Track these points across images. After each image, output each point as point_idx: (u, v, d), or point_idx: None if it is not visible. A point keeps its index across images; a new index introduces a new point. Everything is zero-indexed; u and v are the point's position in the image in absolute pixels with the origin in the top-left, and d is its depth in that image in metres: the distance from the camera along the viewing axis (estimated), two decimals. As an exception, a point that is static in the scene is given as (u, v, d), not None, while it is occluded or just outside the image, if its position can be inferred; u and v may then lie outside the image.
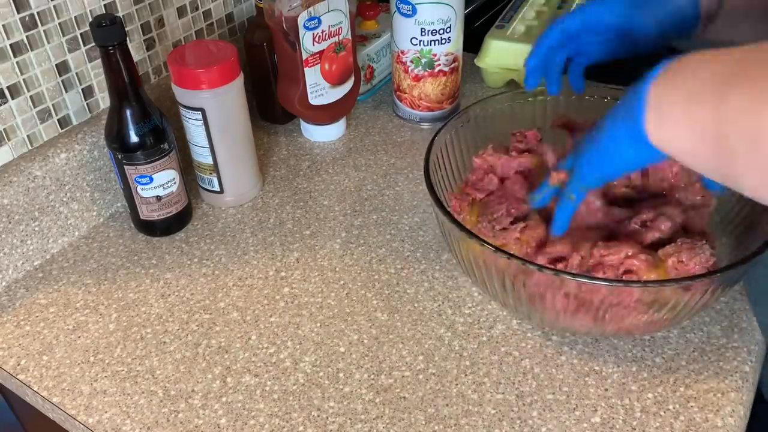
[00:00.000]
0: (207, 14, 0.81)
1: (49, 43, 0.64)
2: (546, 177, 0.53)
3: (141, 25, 0.73)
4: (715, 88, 0.34)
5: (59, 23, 0.64)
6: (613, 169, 0.45)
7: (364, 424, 0.50)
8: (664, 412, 0.50)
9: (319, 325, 0.59)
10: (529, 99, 0.66)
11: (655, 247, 0.51)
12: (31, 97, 0.64)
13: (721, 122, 0.34)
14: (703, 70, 0.36)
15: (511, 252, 0.49)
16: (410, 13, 0.76)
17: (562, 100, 0.66)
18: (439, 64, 0.80)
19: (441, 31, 0.77)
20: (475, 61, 0.88)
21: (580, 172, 0.48)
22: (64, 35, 0.65)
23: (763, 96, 0.31)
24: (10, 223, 0.63)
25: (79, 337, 0.59)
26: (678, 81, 0.37)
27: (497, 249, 0.48)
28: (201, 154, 0.69)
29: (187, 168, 0.72)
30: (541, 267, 0.47)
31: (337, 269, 0.64)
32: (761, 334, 0.55)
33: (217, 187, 0.71)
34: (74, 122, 0.69)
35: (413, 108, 0.84)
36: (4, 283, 0.64)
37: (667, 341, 0.55)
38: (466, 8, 0.81)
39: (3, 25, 0.60)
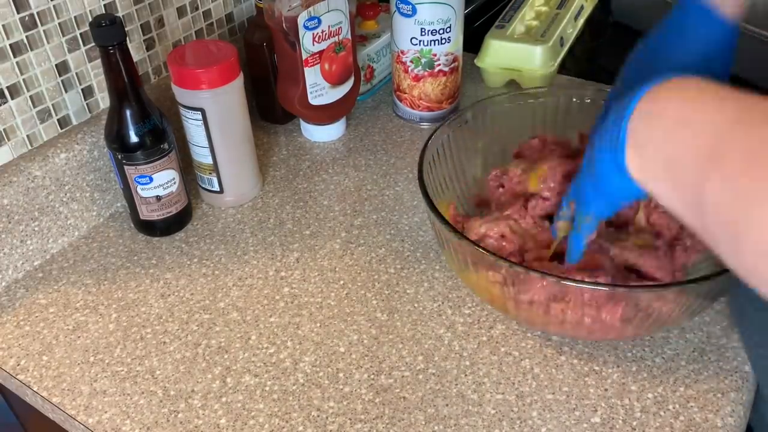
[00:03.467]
0: (207, 14, 0.81)
1: (48, 43, 0.64)
2: (560, 207, 0.52)
3: (141, 25, 0.73)
4: (696, 163, 0.32)
5: (59, 23, 0.64)
6: (614, 199, 0.42)
7: (364, 424, 0.50)
8: (664, 412, 0.50)
9: (319, 325, 0.59)
10: (530, 101, 0.66)
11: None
12: (30, 97, 0.64)
13: (701, 203, 0.32)
14: (684, 130, 0.33)
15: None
16: (410, 13, 0.76)
17: (561, 100, 0.66)
18: (439, 64, 0.80)
19: (441, 31, 0.77)
20: (475, 61, 0.88)
21: (584, 203, 0.46)
22: (63, 35, 0.65)
23: (747, 193, 0.29)
24: (9, 223, 0.63)
25: (79, 337, 0.59)
26: (656, 125, 0.35)
27: (478, 246, 0.48)
28: (201, 154, 0.69)
29: (187, 168, 0.72)
30: (544, 273, 0.46)
31: (337, 269, 0.64)
32: (752, 372, 0.53)
33: (217, 187, 0.71)
34: (74, 122, 0.69)
35: (413, 108, 0.84)
36: (4, 283, 0.64)
37: (667, 341, 0.55)
38: (466, 8, 0.81)
39: (3, 25, 0.60)
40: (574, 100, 0.65)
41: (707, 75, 0.36)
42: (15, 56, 0.62)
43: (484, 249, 0.48)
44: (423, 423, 0.50)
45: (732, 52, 0.48)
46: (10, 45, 0.61)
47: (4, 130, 0.63)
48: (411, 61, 0.80)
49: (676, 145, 0.34)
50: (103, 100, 0.71)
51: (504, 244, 0.55)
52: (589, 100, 0.65)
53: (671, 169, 0.34)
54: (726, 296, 0.58)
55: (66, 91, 0.67)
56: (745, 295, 0.51)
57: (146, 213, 0.67)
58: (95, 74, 0.69)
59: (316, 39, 0.74)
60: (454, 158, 0.63)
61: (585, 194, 0.45)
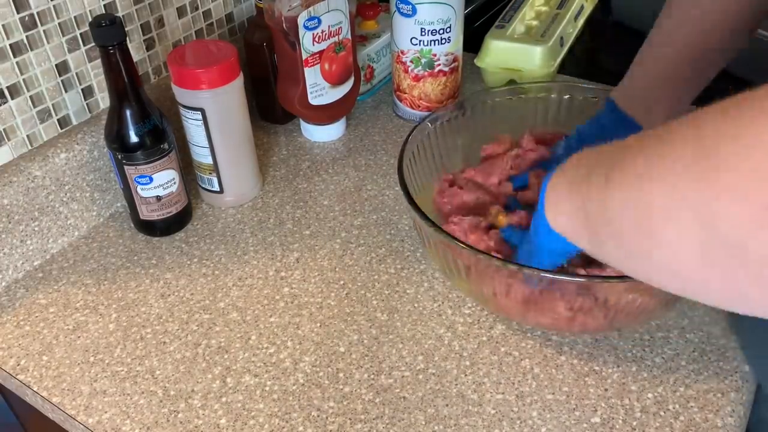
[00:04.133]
0: (207, 14, 0.81)
1: (48, 43, 0.64)
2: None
3: (141, 25, 0.73)
4: (581, 182, 0.38)
5: (59, 23, 0.64)
6: (553, 258, 0.46)
7: (364, 424, 0.50)
8: (664, 412, 0.50)
9: (319, 325, 0.59)
10: (521, 96, 0.67)
11: None
12: (30, 97, 0.64)
13: (586, 206, 0.37)
14: (578, 167, 0.39)
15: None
16: (410, 13, 0.76)
17: (555, 99, 0.66)
18: (439, 64, 0.80)
19: (441, 31, 0.77)
20: (475, 61, 0.88)
21: (532, 260, 0.48)
22: (63, 35, 0.65)
23: (606, 179, 0.34)
24: (9, 223, 0.63)
25: (79, 337, 0.59)
26: (560, 176, 0.41)
27: (461, 242, 0.49)
28: (201, 154, 0.69)
29: (187, 168, 0.72)
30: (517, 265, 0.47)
31: (337, 269, 0.64)
32: (754, 377, 0.53)
33: (217, 187, 0.71)
34: (74, 122, 0.69)
35: (413, 108, 0.84)
36: (4, 283, 0.64)
37: (667, 341, 0.55)
38: (466, 8, 0.81)
39: (3, 25, 0.60)
40: (566, 99, 0.66)
41: None
42: (15, 56, 0.62)
43: (464, 243, 0.49)
44: (423, 423, 0.50)
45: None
46: (10, 45, 0.61)
47: (4, 130, 0.63)
48: (411, 61, 0.80)
49: (572, 177, 0.40)
50: (103, 100, 0.71)
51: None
52: (567, 96, 0.66)
53: (570, 198, 0.40)
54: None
55: (66, 91, 0.67)
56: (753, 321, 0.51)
57: (146, 213, 0.67)
58: (95, 74, 0.69)
59: (316, 39, 0.74)
60: (434, 154, 0.64)
61: (531, 256, 0.48)
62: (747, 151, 0.25)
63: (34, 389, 0.54)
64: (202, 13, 0.80)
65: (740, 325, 0.55)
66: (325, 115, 0.81)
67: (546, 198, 0.43)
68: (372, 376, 0.54)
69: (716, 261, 0.28)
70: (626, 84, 0.59)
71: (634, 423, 0.49)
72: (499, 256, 0.48)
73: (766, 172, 0.25)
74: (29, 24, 0.62)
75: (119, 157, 0.63)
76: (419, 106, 0.83)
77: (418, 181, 0.61)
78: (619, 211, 0.33)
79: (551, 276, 0.46)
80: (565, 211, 0.40)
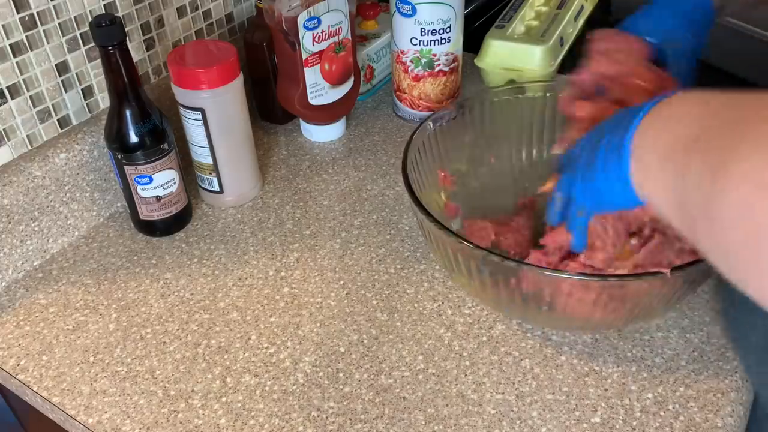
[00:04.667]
0: (207, 14, 0.81)
1: (48, 43, 0.64)
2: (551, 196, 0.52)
3: (141, 25, 0.73)
4: (679, 154, 0.34)
5: (59, 23, 0.64)
6: (611, 206, 0.44)
7: (364, 424, 0.50)
8: (664, 412, 0.50)
9: (319, 325, 0.59)
10: (518, 96, 0.66)
11: None
12: (30, 97, 0.64)
13: (682, 191, 0.33)
14: (676, 127, 0.35)
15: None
16: (410, 13, 0.76)
17: (555, 97, 0.66)
18: (439, 64, 0.80)
19: (441, 31, 0.77)
20: (475, 61, 0.88)
21: (580, 202, 0.46)
22: (63, 35, 0.65)
23: (715, 173, 0.30)
24: (9, 223, 0.63)
25: (79, 337, 0.59)
26: (656, 134, 0.36)
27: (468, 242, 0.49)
28: (201, 154, 0.69)
29: (187, 168, 0.72)
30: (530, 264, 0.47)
31: (337, 269, 0.64)
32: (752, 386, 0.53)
33: (217, 187, 0.71)
34: (74, 122, 0.69)
35: (413, 108, 0.84)
36: (4, 283, 0.64)
37: (667, 341, 0.55)
38: (466, 8, 0.81)
39: (3, 25, 0.60)
40: (554, 95, 0.66)
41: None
42: (15, 56, 0.62)
43: (465, 240, 0.49)
44: (423, 423, 0.50)
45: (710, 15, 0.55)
46: (10, 45, 0.61)
47: (4, 130, 0.63)
48: (411, 61, 0.80)
49: (668, 139, 0.35)
50: (103, 100, 0.71)
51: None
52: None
53: (663, 163, 0.35)
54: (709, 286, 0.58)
55: (66, 91, 0.67)
56: (743, 306, 0.51)
57: (146, 213, 0.67)
58: (95, 74, 0.69)
59: (316, 39, 0.74)
60: (441, 153, 0.64)
61: (578, 198, 0.46)
62: None
63: (34, 389, 0.54)
64: (202, 13, 0.80)
65: (739, 336, 0.54)
66: (325, 115, 0.81)
67: (634, 149, 0.37)
68: (372, 376, 0.54)
69: None
70: None
71: (634, 423, 0.49)
72: (510, 256, 0.48)
73: None
74: (29, 24, 0.62)
75: (119, 157, 0.63)
76: (419, 106, 0.83)
77: (422, 181, 0.61)
78: (725, 216, 0.29)
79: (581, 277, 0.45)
80: (656, 181, 0.36)
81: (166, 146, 0.64)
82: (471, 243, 0.48)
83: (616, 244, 0.49)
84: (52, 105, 0.66)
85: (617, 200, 0.41)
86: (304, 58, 0.74)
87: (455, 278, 0.55)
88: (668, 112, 0.37)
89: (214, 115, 0.66)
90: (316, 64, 0.75)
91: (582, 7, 0.99)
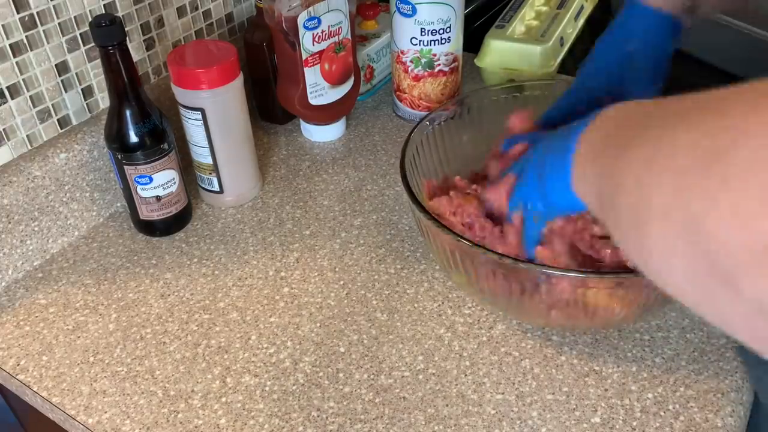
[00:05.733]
0: (207, 14, 0.81)
1: (48, 43, 0.64)
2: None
3: (141, 25, 0.73)
4: (598, 156, 0.34)
5: (59, 23, 0.64)
6: (561, 210, 0.44)
7: (364, 424, 0.50)
8: (664, 412, 0.50)
9: (318, 325, 0.59)
10: (516, 95, 0.66)
11: None
12: (30, 97, 0.64)
13: (599, 190, 0.34)
14: (599, 134, 0.36)
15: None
16: (410, 13, 0.76)
17: (545, 93, 0.66)
18: (439, 64, 0.80)
19: (441, 31, 0.77)
20: (475, 61, 0.88)
21: (533, 203, 0.46)
22: (63, 35, 0.65)
23: (612, 169, 0.31)
24: (9, 223, 0.63)
25: (79, 337, 0.59)
26: (586, 140, 0.37)
27: (464, 239, 0.49)
28: (201, 154, 0.69)
29: (187, 168, 0.72)
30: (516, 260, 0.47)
31: (337, 269, 0.64)
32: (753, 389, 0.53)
33: (216, 187, 0.71)
34: (74, 122, 0.69)
35: (413, 108, 0.84)
36: (3, 283, 0.64)
37: (667, 341, 0.55)
38: (466, 8, 0.81)
39: (3, 25, 0.60)
40: (552, 94, 0.65)
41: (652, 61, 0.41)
42: (15, 56, 0.62)
43: (465, 238, 0.49)
44: (423, 423, 0.50)
45: (669, 39, 0.54)
46: (10, 45, 0.61)
47: (4, 130, 0.63)
48: (411, 61, 0.80)
49: (588, 148, 0.36)
50: (103, 100, 0.71)
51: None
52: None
53: (596, 162, 0.36)
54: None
55: (66, 91, 0.67)
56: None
57: (146, 213, 0.67)
58: (95, 74, 0.69)
59: (316, 39, 0.74)
60: (439, 151, 0.63)
61: (531, 200, 0.46)
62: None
63: (34, 389, 0.54)
64: (202, 13, 0.80)
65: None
66: (325, 115, 0.81)
67: (576, 155, 0.38)
68: (372, 376, 0.54)
69: (704, 285, 0.24)
70: None
71: (634, 423, 0.49)
72: (512, 255, 0.48)
73: None
74: (29, 24, 0.62)
75: (119, 157, 0.63)
76: (419, 106, 0.83)
77: (421, 180, 0.61)
78: (622, 201, 0.30)
79: (577, 275, 0.45)
80: (586, 183, 0.37)
81: (166, 146, 0.64)
82: (469, 241, 0.48)
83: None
84: (52, 105, 0.66)
85: (568, 204, 0.41)
86: (304, 58, 0.74)
87: (454, 277, 0.55)
88: (600, 122, 0.38)
89: (214, 115, 0.66)
90: (316, 64, 0.75)
91: (582, 7, 0.99)
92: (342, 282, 0.63)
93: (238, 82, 0.67)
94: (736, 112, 0.23)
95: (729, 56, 0.88)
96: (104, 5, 0.68)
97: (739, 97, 0.24)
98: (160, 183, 0.65)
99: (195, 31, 0.80)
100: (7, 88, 0.62)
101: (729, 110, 0.24)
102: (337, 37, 0.75)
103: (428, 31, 0.77)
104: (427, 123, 0.63)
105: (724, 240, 0.22)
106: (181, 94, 0.66)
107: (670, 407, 0.50)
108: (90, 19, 0.65)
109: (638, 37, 0.54)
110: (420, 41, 0.78)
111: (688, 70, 0.84)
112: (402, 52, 0.80)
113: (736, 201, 0.21)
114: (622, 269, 0.47)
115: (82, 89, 0.69)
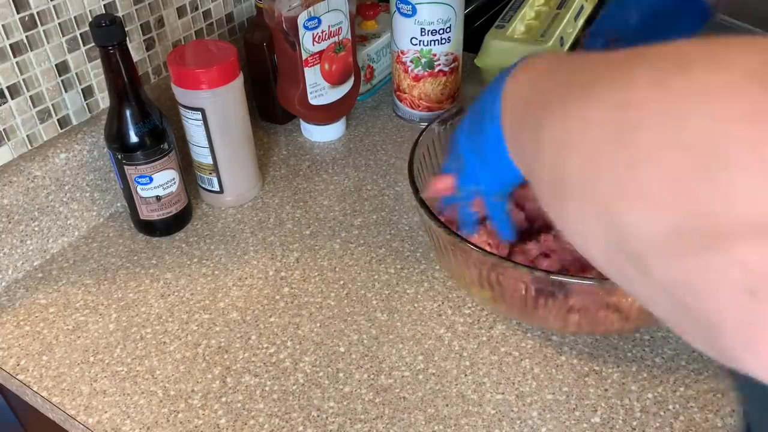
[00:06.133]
0: (207, 14, 0.81)
1: (48, 43, 0.64)
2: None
3: (141, 25, 0.73)
4: (521, 113, 0.33)
5: (59, 23, 0.64)
6: (505, 179, 0.41)
7: (364, 424, 0.50)
8: (664, 412, 0.50)
9: (318, 325, 0.59)
10: None
11: None
12: (30, 97, 0.64)
13: (524, 143, 0.33)
14: (524, 89, 0.34)
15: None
16: (410, 13, 0.76)
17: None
18: (439, 64, 0.80)
19: (441, 31, 0.77)
20: (475, 61, 0.88)
21: (472, 180, 0.44)
22: (63, 35, 0.65)
23: (535, 136, 0.29)
24: (9, 223, 0.63)
25: (79, 337, 0.59)
26: (512, 97, 0.36)
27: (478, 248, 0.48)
28: (201, 154, 0.69)
29: (187, 168, 0.72)
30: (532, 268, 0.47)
31: (337, 269, 0.64)
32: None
33: (217, 187, 0.71)
34: (74, 122, 0.69)
35: (413, 108, 0.84)
36: (4, 283, 0.64)
37: (667, 341, 0.55)
38: (466, 8, 0.81)
39: (3, 25, 0.60)
40: None
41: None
42: (15, 56, 0.62)
43: (470, 242, 0.49)
44: (423, 423, 0.50)
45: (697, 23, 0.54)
46: (10, 45, 0.61)
47: (4, 130, 0.63)
48: (411, 61, 0.80)
49: (515, 104, 0.35)
50: (103, 100, 0.71)
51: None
52: None
53: (516, 129, 0.35)
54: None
55: (66, 91, 0.67)
56: None
57: (146, 213, 0.67)
58: (95, 74, 0.69)
59: (316, 39, 0.74)
60: (440, 156, 0.63)
61: (473, 171, 0.44)
62: (680, 139, 0.20)
63: (34, 389, 0.54)
64: (202, 13, 0.80)
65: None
66: (325, 115, 0.81)
67: (503, 101, 0.36)
68: (372, 376, 0.54)
69: (618, 264, 0.24)
70: None
71: (634, 423, 0.49)
72: (524, 263, 0.48)
73: (696, 180, 0.20)
74: (29, 24, 0.62)
75: (119, 157, 0.63)
76: (419, 106, 0.83)
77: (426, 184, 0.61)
78: (543, 176, 0.29)
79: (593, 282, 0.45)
80: (514, 142, 0.35)
81: (166, 146, 0.64)
82: (482, 249, 0.48)
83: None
84: (52, 105, 0.66)
85: (509, 171, 0.38)
86: (304, 58, 0.74)
87: (477, 293, 0.55)
88: (522, 76, 0.36)
89: (214, 115, 0.66)
90: (316, 64, 0.75)
91: (582, 7, 0.99)
92: (342, 282, 0.63)
93: (238, 82, 0.67)
94: (642, 82, 0.23)
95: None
96: (104, 5, 0.68)
97: (647, 63, 0.23)
98: (160, 183, 0.65)
99: (195, 31, 0.80)
100: (7, 88, 0.62)
101: (637, 80, 0.23)
102: (337, 37, 0.75)
103: (428, 31, 0.77)
104: (436, 126, 0.62)
105: (633, 225, 0.22)
106: (181, 94, 0.66)
107: (670, 407, 0.50)
108: (90, 19, 0.65)
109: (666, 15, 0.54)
110: (420, 41, 0.78)
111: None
112: (402, 52, 0.80)
113: (643, 187, 0.21)
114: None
115: (82, 89, 0.69)
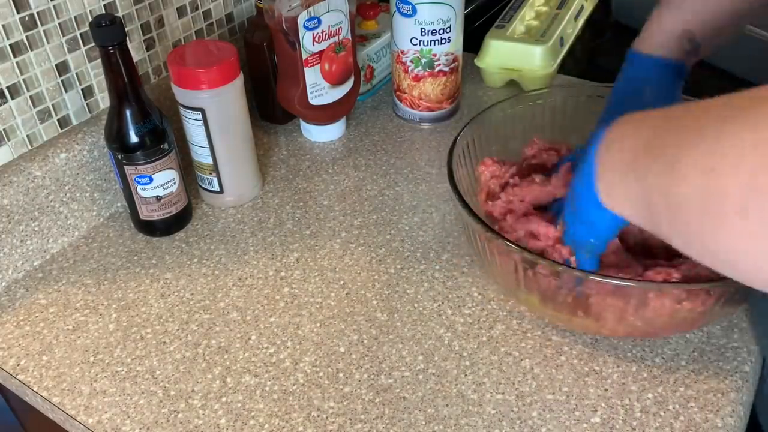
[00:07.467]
0: (207, 14, 0.81)
1: (48, 43, 0.64)
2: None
3: (141, 25, 0.73)
4: (636, 164, 0.37)
5: (59, 23, 0.64)
6: (600, 234, 0.46)
7: (364, 424, 0.50)
8: (664, 412, 0.50)
9: (319, 325, 0.59)
10: (530, 103, 0.66)
11: None
12: (30, 97, 0.64)
13: (646, 193, 0.36)
14: (633, 138, 0.38)
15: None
16: (410, 13, 0.76)
17: (564, 101, 0.66)
18: (439, 64, 0.80)
19: (441, 31, 0.77)
20: (475, 61, 0.88)
21: (576, 241, 0.48)
22: (63, 35, 0.65)
23: (671, 168, 0.33)
24: (9, 223, 0.63)
25: (79, 337, 0.59)
26: (615, 149, 0.40)
27: (520, 247, 0.49)
28: (201, 154, 0.69)
29: (187, 168, 0.72)
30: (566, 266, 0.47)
31: (337, 269, 0.64)
32: (761, 352, 0.54)
33: (217, 187, 0.71)
34: (74, 122, 0.69)
35: (413, 108, 0.84)
36: (4, 283, 0.64)
37: (667, 341, 0.55)
38: (466, 8, 0.81)
39: (3, 25, 0.60)
40: (574, 98, 0.65)
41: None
42: (15, 56, 0.62)
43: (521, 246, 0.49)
44: (423, 423, 0.50)
45: (678, 83, 0.57)
46: (10, 45, 0.61)
47: (4, 130, 0.63)
48: (411, 61, 0.80)
49: (625, 151, 0.39)
50: (103, 100, 0.71)
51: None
52: (584, 98, 0.65)
53: (625, 173, 0.39)
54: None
55: (66, 91, 0.67)
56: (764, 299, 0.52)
57: (146, 213, 0.67)
58: (95, 74, 0.69)
59: (316, 39, 0.74)
60: (473, 159, 0.63)
61: (576, 234, 0.48)
62: None
63: (34, 389, 0.54)
64: (202, 13, 0.80)
65: (755, 302, 0.54)
66: (325, 115, 0.81)
67: (598, 174, 0.41)
68: (372, 376, 0.54)
69: None
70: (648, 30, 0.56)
71: (634, 423, 0.49)
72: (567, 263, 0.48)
73: None
74: (29, 24, 0.62)
75: (119, 157, 0.63)
76: (419, 106, 0.83)
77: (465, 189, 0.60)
78: (683, 201, 0.32)
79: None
80: (623, 193, 0.39)
81: (166, 146, 0.64)
82: (531, 252, 0.48)
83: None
84: (52, 105, 0.66)
85: (603, 224, 0.44)
86: (304, 58, 0.74)
87: (524, 298, 0.54)
88: (617, 134, 0.41)
89: (214, 115, 0.66)
90: (316, 64, 0.75)
91: (582, 7, 0.99)
92: (342, 282, 0.63)
93: (238, 82, 0.67)
94: None
95: (730, 56, 0.88)
96: (104, 5, 0.68)
97: None
98: (160, 183, 0.65)
99: (195, 31, 0.80)
100: (8, 88, 0.62)
101: None
102: (337, 37, 0.75)
103: (428, 31, 0.77)
104: (470, 128, 0.62)
105: None
106: (181, 94, 0.66)
107: (670, 407, 0.50)
108: (90, 19, 0.65)
109: (649, 86, 0.56)
110: (420, 41, 0.78)
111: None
112: (402, 52, 0.80)
113: None
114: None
115: (82, 89, 0.69)
